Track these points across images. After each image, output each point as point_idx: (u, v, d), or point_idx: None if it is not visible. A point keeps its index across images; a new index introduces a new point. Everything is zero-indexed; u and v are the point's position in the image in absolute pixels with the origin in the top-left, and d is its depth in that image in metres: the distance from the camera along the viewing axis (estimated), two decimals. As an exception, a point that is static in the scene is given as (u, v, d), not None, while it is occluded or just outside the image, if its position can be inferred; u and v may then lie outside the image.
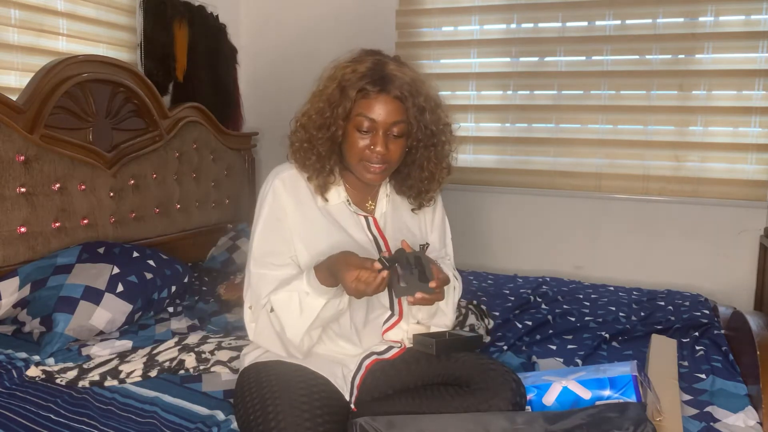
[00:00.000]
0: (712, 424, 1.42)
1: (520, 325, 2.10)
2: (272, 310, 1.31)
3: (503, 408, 1.23)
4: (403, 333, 1.47)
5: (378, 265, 1.20)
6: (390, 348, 1.45)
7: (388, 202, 1.49)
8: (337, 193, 1.43)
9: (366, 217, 1.45)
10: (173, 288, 2.23)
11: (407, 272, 1.25)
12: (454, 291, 1.48)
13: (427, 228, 1.55)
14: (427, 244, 1.33)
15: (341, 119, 1.32)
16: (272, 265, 1.35)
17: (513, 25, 3.09)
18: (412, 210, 1.51)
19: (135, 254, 2.18)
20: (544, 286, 2.63)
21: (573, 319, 2.21)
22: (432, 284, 1.24)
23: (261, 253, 1.37)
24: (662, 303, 2.43)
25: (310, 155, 1.36)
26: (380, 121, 1.31)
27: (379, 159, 1.33)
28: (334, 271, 1.24)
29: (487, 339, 1.94)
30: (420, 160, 1.41)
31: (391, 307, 1.45)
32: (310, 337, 1.33)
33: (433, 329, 1.49)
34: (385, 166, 1.35)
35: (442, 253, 1.57)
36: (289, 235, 1.37)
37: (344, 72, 1.32)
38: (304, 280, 1.28)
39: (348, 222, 1.42)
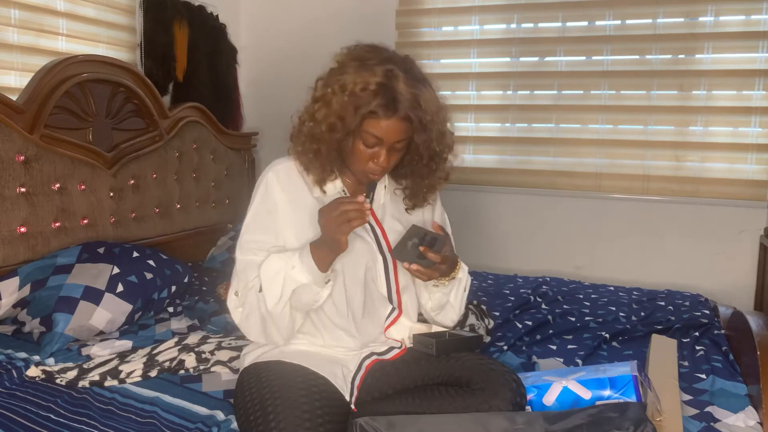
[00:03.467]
0: (712, 424, 1.42)
1: (520, 325, 2.10)
2: (260, 290, 1.32)
3: (503, 408, 1.23)
4: (405, 329, 1.47)
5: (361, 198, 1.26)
6: (391, 349, 1.45)
7: (386, 194, 1.50)
8: (334, 186, 1.44)
9: None
10: (173, 288, 2.23)
11: (414, 242, 1.35)
12: (463, 286, 1.48)
13: (426, 221, 1.55)
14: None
15: (351, 135, 1.33)
16: (258, 251, 1.37)
17: (513, 25, 3.09)
18: (407, 210, 1.51)
19: (135, 254, 2.18)
20: (544, 286, 2.63)
21: (573, 319, 2.21)
22: (432, 256, 1.32)
23: (247, 241, 1.40)
24: (662, 303, 2.43)
25: (315, 161, 1.38)
26: (386, 140, 1.32)
27: (381, 170, 1.36)
28: (322, 233, 1.28)
29: (487, 339, 1.94)
30: (421, 171, 1.43)
31: (390, 299, 1.46)
32: (292, 319, 1.35)
33: (435, 329, 1.49)
34: (384, 172, 1.38)
35: None
36: (278, 227, 1.39)
37: (354, 87, 1.28)
38: (297, 254, 1.31)
39: None
